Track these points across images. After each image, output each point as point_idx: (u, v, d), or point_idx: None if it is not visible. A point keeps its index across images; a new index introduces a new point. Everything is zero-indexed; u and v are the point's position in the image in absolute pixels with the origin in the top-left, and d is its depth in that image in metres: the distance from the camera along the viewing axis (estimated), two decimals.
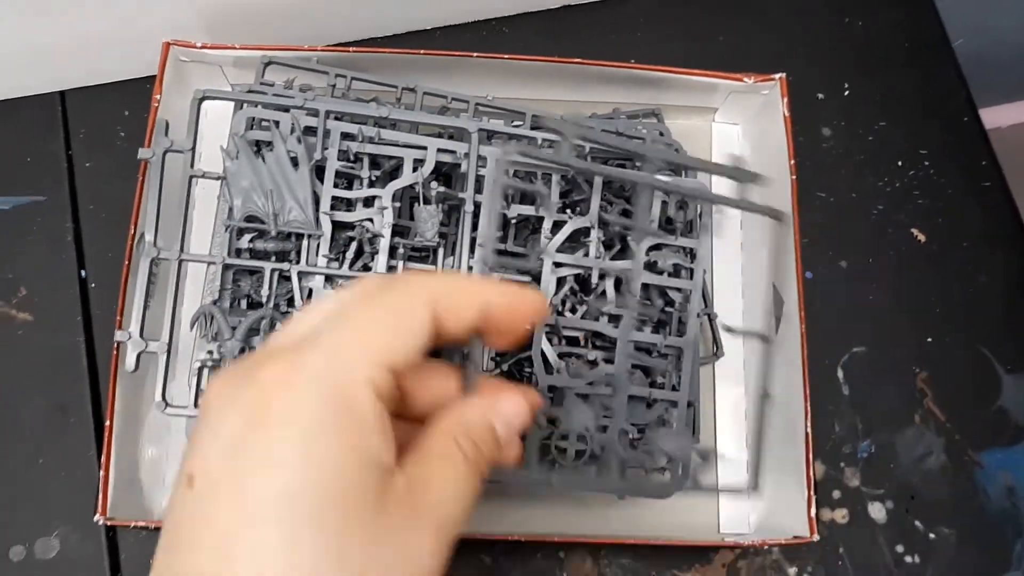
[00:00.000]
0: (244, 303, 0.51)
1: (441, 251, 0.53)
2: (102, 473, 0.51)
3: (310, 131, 0.51)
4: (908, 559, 0.60)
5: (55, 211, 0.64)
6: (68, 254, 0.63)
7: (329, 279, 0.51)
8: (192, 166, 0.51)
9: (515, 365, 0.53)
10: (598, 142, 0.47)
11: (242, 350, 0.48)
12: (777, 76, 0.59)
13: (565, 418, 0.50)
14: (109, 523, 0.52)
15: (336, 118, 0.52)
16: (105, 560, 0.57)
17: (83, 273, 0.63)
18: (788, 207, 0.57)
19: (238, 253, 0.51)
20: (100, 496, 0.51)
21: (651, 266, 0.53)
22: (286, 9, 0.64)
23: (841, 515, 0.61)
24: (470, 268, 0.52)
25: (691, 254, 0.54)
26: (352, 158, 0.52)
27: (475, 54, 0.56)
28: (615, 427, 0.51)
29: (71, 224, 0.64)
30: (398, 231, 0.52)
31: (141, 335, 0.49)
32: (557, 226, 0.53)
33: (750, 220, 0.61)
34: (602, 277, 0.53)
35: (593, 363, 0.52)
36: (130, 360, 0.49)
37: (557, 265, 0.52)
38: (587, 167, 0.46)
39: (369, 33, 0.68)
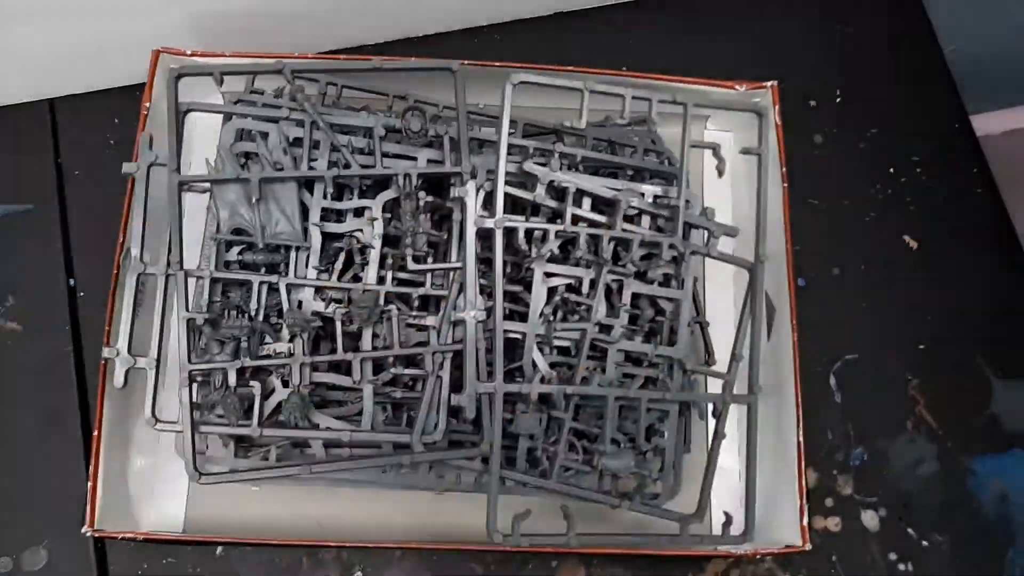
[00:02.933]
0: (234, 314, 0.51)
1: (431, 259, 0.53)
2: (90, 484, 0.51)
3: (299, 142, 0.51)
4: (901, 567, 0.60)
5: (44, 220, 0.63)
6: (57, 263, 0.62)
7: (318, 290, 0.51)
8: (177, 183, 0.50)
9: (506, 374, 0.53)
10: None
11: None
12: (769, 84, 0.59)
13: (514, 425, 0.50)
14: (97, 534, 0.51)
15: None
16: (93, 572, 0.56)
17: (72, 282, 0.62)
18: (779, 215, 0.57)
19: (227, 265, 0.51)
20: (88, 507, 0.51)
21: (641, 275, 0.53)
22: (277, 17, 0.63)
23: (834, 523, 0.61)
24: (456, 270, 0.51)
25: (684, 263, 0.53)
26: (342, 168, 0.52)
27: (467, 62, 0.56)
28: (605, 437, 0.51)
29: (60, 233, 0.63)
30: (388, 241, 0.52)
31: (129, 350, 0.48)
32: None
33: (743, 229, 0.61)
34: (592, 286, 0.52)
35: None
36: (118, 377, 0.48)
37: (548, 275, 0.52)
38: (560, 207, 0.45)
39: (360, 40, 0.68)
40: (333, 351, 0.50)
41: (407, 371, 0.51)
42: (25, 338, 0.61)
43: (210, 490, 0.56)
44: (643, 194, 0.53)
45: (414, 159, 0.52)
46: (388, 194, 0.51)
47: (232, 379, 0.48)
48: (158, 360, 0.49)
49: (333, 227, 0.51)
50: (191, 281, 0.49)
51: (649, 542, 0.51)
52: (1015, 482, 0.62)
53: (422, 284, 0.52)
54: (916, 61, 0.72)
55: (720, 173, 0.55)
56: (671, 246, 0.52)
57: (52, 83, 0.65)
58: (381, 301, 0.51)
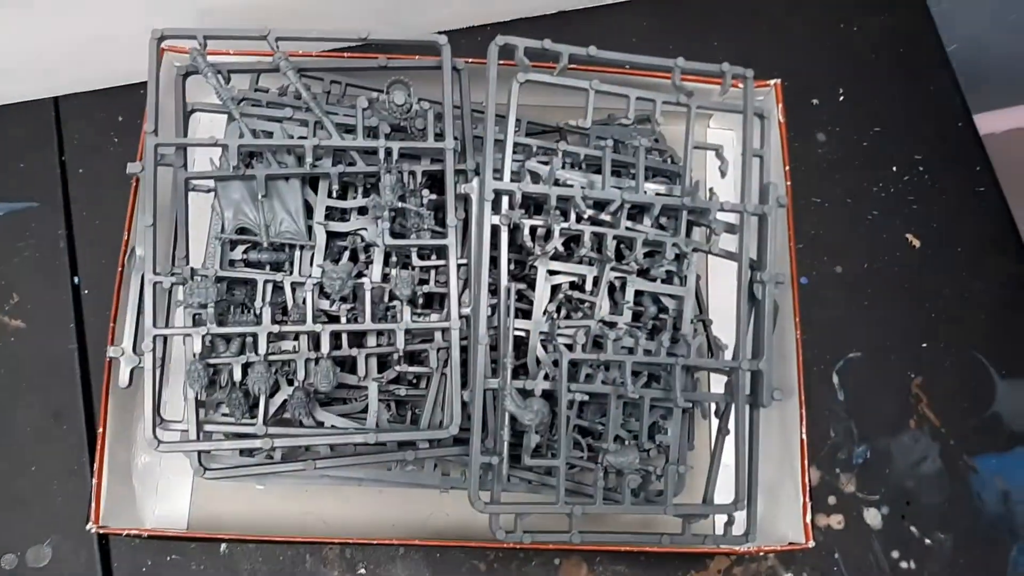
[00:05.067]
0: (239, 311, 0.51)
1: (434, 256, 0.53)
2: (95, 481, 0.51)
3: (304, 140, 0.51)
4: (904, 564, 0.60)
5: (48, 217, 0.64)
6: (61, 260, 0.63)
7: (322, 289, 0.51)
8: (183, 179, 0.50)
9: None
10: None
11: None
12: (772, 82, 0.59)
13: (521, 416, 0.50)
14: (102, 531, 0.51)
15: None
16: (98, 568, 0.56)
17: (76, 280, 0.62)
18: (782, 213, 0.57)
19: (232, 264, 0.51)
20: (93, 504, 0.51)
21: (644, 272, 0.53)
22: (282, 15, 0.63)
23: (836, 521, 0.61)
24: (460, 266, 0.51)
25: (686, 260, 0.53)
26: (346, 166, 0.52)
27: (470, 60, 0.56)
28: (609, 434, 0.51)
29: (64, 230, 0.63)
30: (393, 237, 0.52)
31: (134, 350, 0.48)
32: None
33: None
34: (596, 284, 0.52)
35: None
36: (123, 376, 0.48)
37: (552, 273, 0.52)
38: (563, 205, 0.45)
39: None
40: (338, 347, 0.50)
41: (411, 368, 0.51)
42: (29, 335, 0.61)
43: (214, 488, 0.57)
44: (646, 192, 0.53)
45: (418, 157, 0.52)
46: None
47: (237, 375, 0.48)
48: (163, 359, 0.49)
49: (337, 226, 0.51)
50: (196, 279, 0.49)
51: (652, 540, 0.51)
52: (1018, 481, 0.62)
53: (427, 281, 0.52)
54: (919, 59, 0.72)
55: (723, 174, 0.55)
56: (674, 244, 0.53)
57: (56, 81, 0.65)
58: (386, 298, 0.51)
